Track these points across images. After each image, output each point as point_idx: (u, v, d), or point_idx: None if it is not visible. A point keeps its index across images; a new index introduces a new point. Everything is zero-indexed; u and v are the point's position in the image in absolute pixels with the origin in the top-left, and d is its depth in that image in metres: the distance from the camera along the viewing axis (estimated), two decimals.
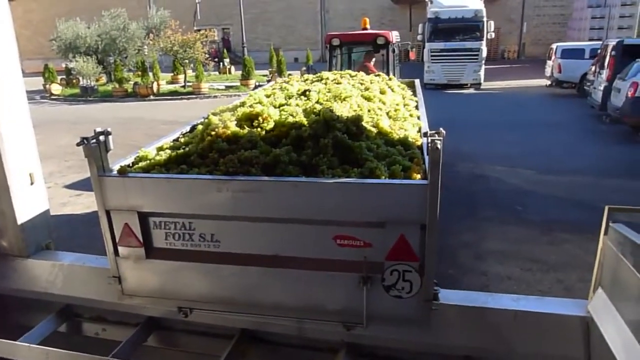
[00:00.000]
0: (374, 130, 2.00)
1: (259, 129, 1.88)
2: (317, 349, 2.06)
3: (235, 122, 1.91)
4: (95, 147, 1.68)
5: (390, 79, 3.60)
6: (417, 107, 2.75)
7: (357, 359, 2.07)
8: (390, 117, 2.28)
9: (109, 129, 1.72)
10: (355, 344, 2.03)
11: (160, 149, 1.98)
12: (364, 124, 1.90)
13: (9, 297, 2.75)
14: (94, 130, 1.69)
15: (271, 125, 1.89)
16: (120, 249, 1.80)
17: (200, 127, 2.01)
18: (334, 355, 2.20)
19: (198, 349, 2.18)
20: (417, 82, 4.02)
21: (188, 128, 2.31)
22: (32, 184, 2.73)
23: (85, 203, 6.48)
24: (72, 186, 7.47)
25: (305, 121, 1.88)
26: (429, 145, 1.46)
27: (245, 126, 1.90)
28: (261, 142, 1.81)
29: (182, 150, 1.84)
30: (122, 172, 1.72)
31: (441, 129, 1.49)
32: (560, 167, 7.73)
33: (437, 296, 1.66)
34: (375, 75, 3.63)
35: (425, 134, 1.56)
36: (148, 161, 1.83)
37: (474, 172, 7.69)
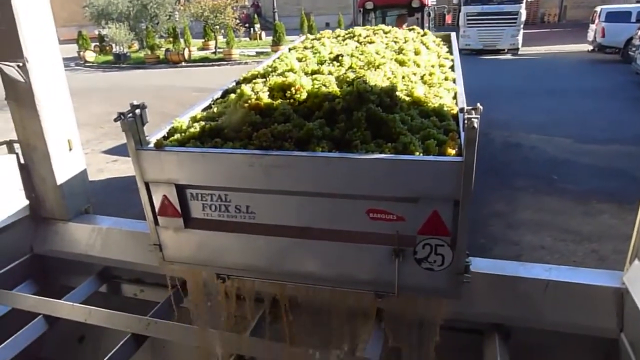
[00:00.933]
0: (408, 99, 1.95)
1: (291, 100, 1.86)
2: (349, 315, 2.10)
3: (268, 92, 1.89)
4: (132, 122, 1.70)
5: (424, 34, 3.44)
6: (452, 68, 2.64)
7: (388, 325, 2.10)
8: (425, 83, 2.22)
9: (144, 103, 1.75)
10: (386, 310, 2.07)
11: (194, 119, 1.99)
12: (398, 93, 1.86)
13: (51, 259, 2.89)
14: (130, 105, 1.71)
15: (304, 96, 1.87)
16: (159, 219, 1.85)
17: (232, 96, 1.99)
18: (365, 321, 2.24)
19: (232, 311, 2.26)
20: (452, 36, 3.82)
21: (219, 93, 2.32)
22: (70, 150, 2.81)
23: (121, 169, 6.67)
24: (109, 152, 7.68)
25: (338, 92, 1.85)
26: (465, 123, 1.42)
27: (277, 97, 1.88)
28: (294, 114, 1.80)
29: (215, 123, 1.85)
30: (159, 145, 1.74)
31: (478, 104, 1.44)
32: (599, 136, 7.46)
33: (468, 269, 1.65)
34: (410, 29, 3.49)
35: (461, 110, 1.52)
36: (183, 133, 1.85)
37: (508, 141, 7.51)
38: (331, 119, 1.78)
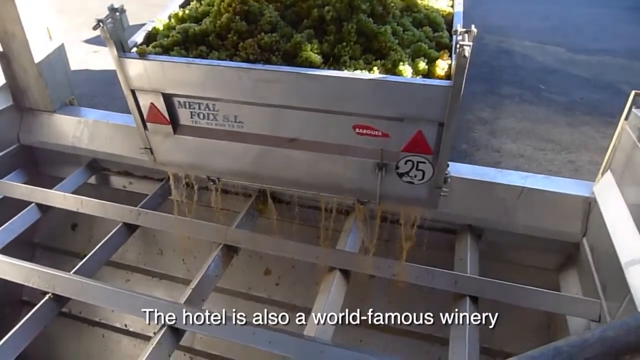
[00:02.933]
0: (401, 3, 1.87)
1: (278, 4, 1.77)
2: (330, 210, 2.21)
3: None
4: (112, 28, 1.62)
5: None
6: None
7: (368, 221, 2.23)
8: None
9: (123, 6, 1.65)
10: (366, 209, 2.18)
11: (176, 17, 1.89)
12: (390, 0, 1.76)
13: (39, 150, 2.90)
14: (108, 9, 1.62)
15: None
16: (148, 124, 1.85)
17: None
18: (346, 217, 2.36)
19: (219, 205, 2.35)
20: None
21: None
22: (50, 38, 2.70)
23: (104, 60, 6.43)
24: (89, 42, 7.34)
25: None
26: (457, 48, 1.39)
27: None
28: (281, 22, 1.72)
29: (199, 28, 1.76)
30: (141, 53, 1.68)
31: (473, 26, 1.41)
32: (592, 46, 7.33)
33: (447, 179, 1.73)
34: None
35: (454, 32, 1.48)
36: (166, 38, 1.77)
37: (501, 47, 7.35)
38: (320, 27, 1.73)
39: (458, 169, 2.23)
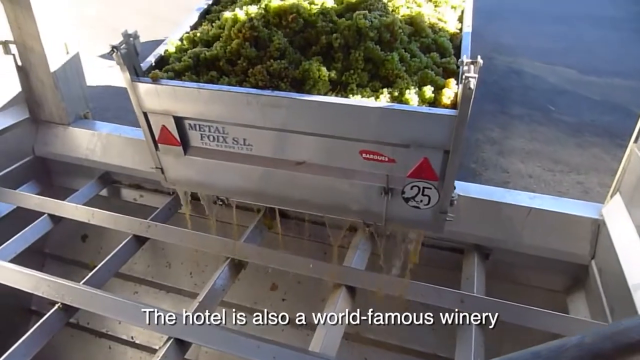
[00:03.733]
0: (409, 28, 1.88)
1: (287, 30, 1.79)
2: (337, 227, 2.22)
3: (263, 19, 1.81)
4: (126, 53, 1.68)
5: None
6: None
7: (375, 238, 2.23)
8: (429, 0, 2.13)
9: (137, 32, 1.71)
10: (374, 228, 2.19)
11: (188, 39, 1.93)
12: (398, 27, 1.77)
13: (53, 162, 2.96)
14: (123, 35, 1.67)
15: (300, 24, 1.80)
16: (160, 145, 1.90)
17: (226, 15, 1.88)
18: (353, 233, 2.37)
19: (228, 219, 2.38)
20: None
21: (208, 5, 2.21)
22: (67, 53, 2.77)
23: (117, 74, 6.54)
24: (105, 56, 7.49)
25: (337, 20, 1.79)
26: (463, 80, 1.42)
27: (273, 23, 1.81)
28: (290, 48, 1.76)
29: (210, 52, 1.81)
30: (154, 77, 1.73)
31: (479, 57, 1.42)
32: (603, 68, 7.35)
33: (453, 202, 1.75)
34: None
35: (460, 63, 1.50)
36: (178, 61, 1.81)
37: (511, 67, 7.39)
38: (328, 54, 1.77)
39: (466, 189, 2.24)
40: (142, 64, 1.78)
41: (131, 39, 1.69)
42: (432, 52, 1.83)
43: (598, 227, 2.08)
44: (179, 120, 1.81)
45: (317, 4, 1.86)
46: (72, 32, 2.78)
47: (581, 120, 5.53)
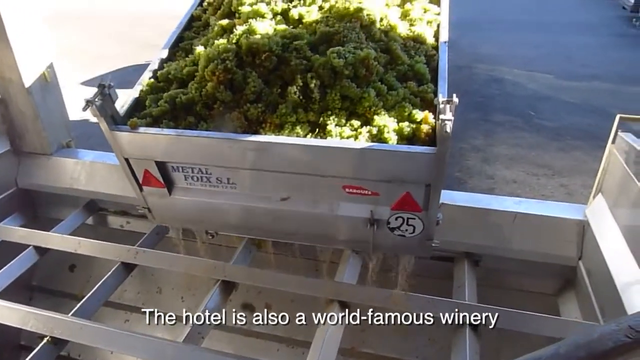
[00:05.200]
0: (385, 56, 1.86)
1: (261, 69, 1.79)
2: (326, 245, 2.22)
3: (235, 58, 1.79)
4: (101, 105, 1.68)
5: None
6: None
7: (362, 254, 2.23)
8: (403, 16, 2.12)
9: (110, 82, 1.70)
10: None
11: (162, 76, 1.93)
12: (373, 60, 1.75)
13: (36, 193, 2.92)
14: (98, 86, 1.67)
15: (274, 61, 1.79)
16: (144, 187, 1.91)
17: (199, 50, 1.87)
18: (340, 252, 2.37)
19: (218, 242, 2.36)
20: None
21: (176, 36, 2.20)
22: (47, 82, 2.76)
23: None
24: (86, 83, 7.47)
25: (311, 57, 1.78)
26: (440, 124, 1.44)
27: (247, 62, 1.79)
28: (266, 89, 1.77)
29: (185, 97, 1.81)
30: (133, 125, 1.73)
31: (454, 96, 1.44)
32: (580, 73, 7.51)
33: (439, 222, 1.79)
34: None
35: (436, 102, 1.52)
36: (155, 107, 1.82)
37: (491, 75, 7.52)
38: (304, 92, 1.76)
39: (452, 197, 2.26)
40: (120, 105, 1.79)
41: (105, 89, 1.68)
42: (409, 80, 1.84)
43: (583, 228, 2.11)
44: (161, 164, 1.82)
45: (288, 38, 1.85)
46: (51, 61, 2.77)
47: (562, 124, 5.62)
